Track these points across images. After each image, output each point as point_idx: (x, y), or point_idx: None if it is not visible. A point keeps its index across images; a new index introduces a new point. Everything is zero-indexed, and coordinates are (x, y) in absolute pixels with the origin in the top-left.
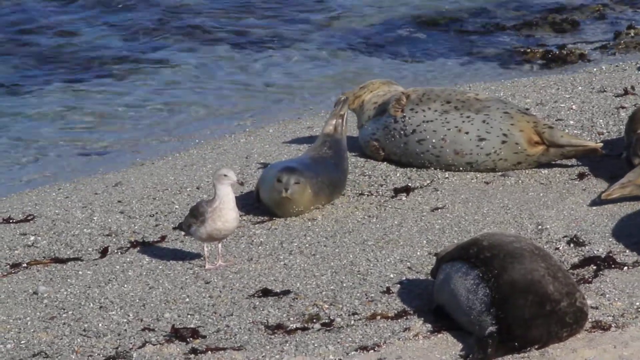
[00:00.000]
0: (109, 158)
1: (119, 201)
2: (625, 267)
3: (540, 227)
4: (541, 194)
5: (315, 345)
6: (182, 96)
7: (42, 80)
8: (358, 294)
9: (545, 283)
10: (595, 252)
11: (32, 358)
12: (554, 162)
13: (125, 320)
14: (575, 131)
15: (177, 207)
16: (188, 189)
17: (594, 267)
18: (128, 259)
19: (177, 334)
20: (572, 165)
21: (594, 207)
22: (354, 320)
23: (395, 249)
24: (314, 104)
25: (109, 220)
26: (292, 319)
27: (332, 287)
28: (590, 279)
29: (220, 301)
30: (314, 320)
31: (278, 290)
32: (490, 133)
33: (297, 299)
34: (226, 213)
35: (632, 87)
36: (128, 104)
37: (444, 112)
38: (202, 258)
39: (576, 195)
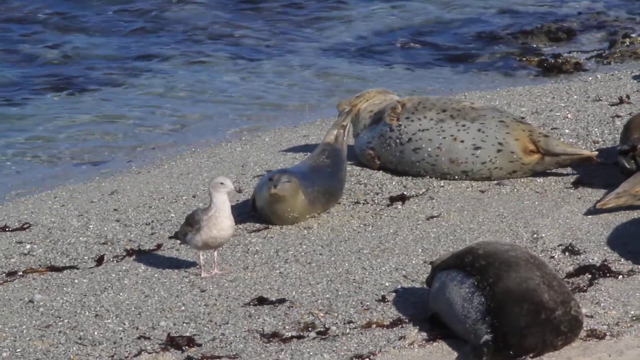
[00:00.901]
0: (105, 166)
1: (115, 209)
2: (620, 276)
3: (535, 235)
4: (536, 203)
5: (311, 353)
6: (178, 104)
7: (38, 88)
8: (353, 303)
9: (540, 292)
10: (590, 260)
11: None
12: (549, 171)
13: (121, 328)
14: (570, 140)
15: (173, 215)
16: (184, 198)
17: (589, 276)
18: (124, 267)
19: (172, 343)
20: (567, 174)
21: (589, 216)
22: (350, 329)
23: (391, 258)
24: (309, 113)
25: (105, 228)
26: (287, 327)
27: (327, 296)
28: (585, 288)
29: (215, 309)
30: (310, 329)
31: (274, 299)
32: (486, 142)
33: (292, 307)
34: (222, 221)
35: (628, 96)
36: (124, 112)
37: (440, 120)
38: (197, 266)
39: (571, 203)
